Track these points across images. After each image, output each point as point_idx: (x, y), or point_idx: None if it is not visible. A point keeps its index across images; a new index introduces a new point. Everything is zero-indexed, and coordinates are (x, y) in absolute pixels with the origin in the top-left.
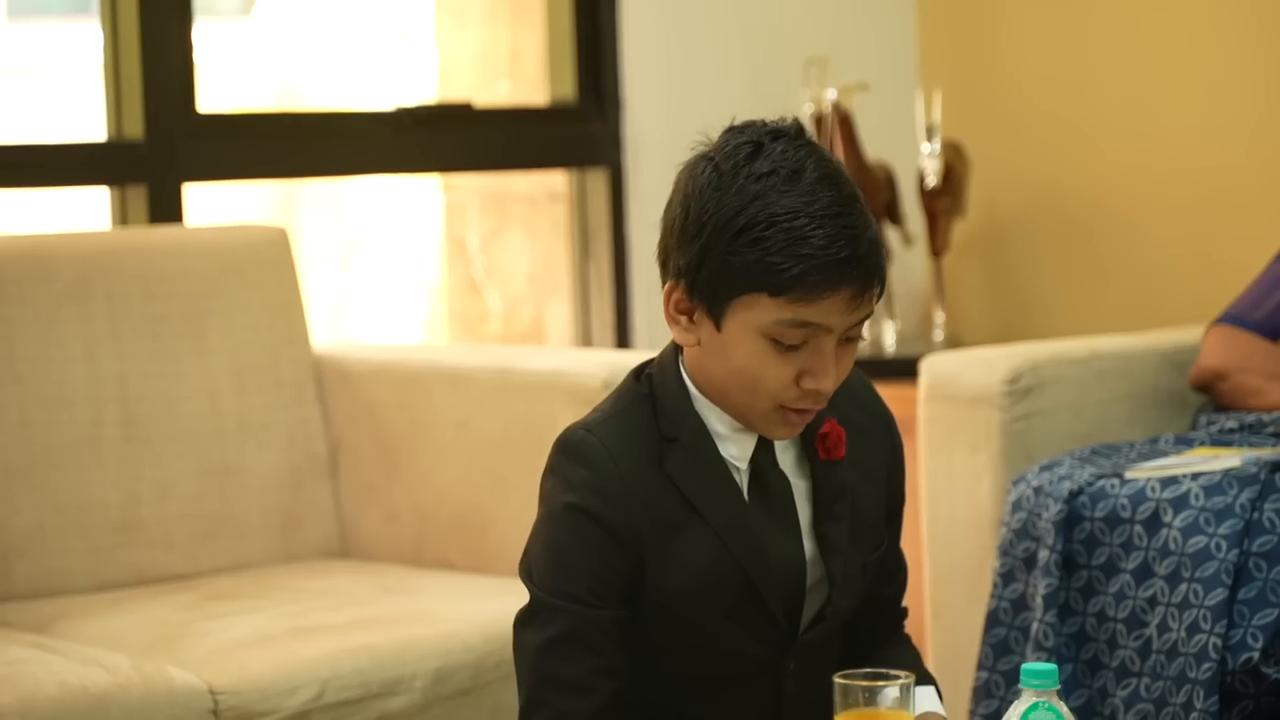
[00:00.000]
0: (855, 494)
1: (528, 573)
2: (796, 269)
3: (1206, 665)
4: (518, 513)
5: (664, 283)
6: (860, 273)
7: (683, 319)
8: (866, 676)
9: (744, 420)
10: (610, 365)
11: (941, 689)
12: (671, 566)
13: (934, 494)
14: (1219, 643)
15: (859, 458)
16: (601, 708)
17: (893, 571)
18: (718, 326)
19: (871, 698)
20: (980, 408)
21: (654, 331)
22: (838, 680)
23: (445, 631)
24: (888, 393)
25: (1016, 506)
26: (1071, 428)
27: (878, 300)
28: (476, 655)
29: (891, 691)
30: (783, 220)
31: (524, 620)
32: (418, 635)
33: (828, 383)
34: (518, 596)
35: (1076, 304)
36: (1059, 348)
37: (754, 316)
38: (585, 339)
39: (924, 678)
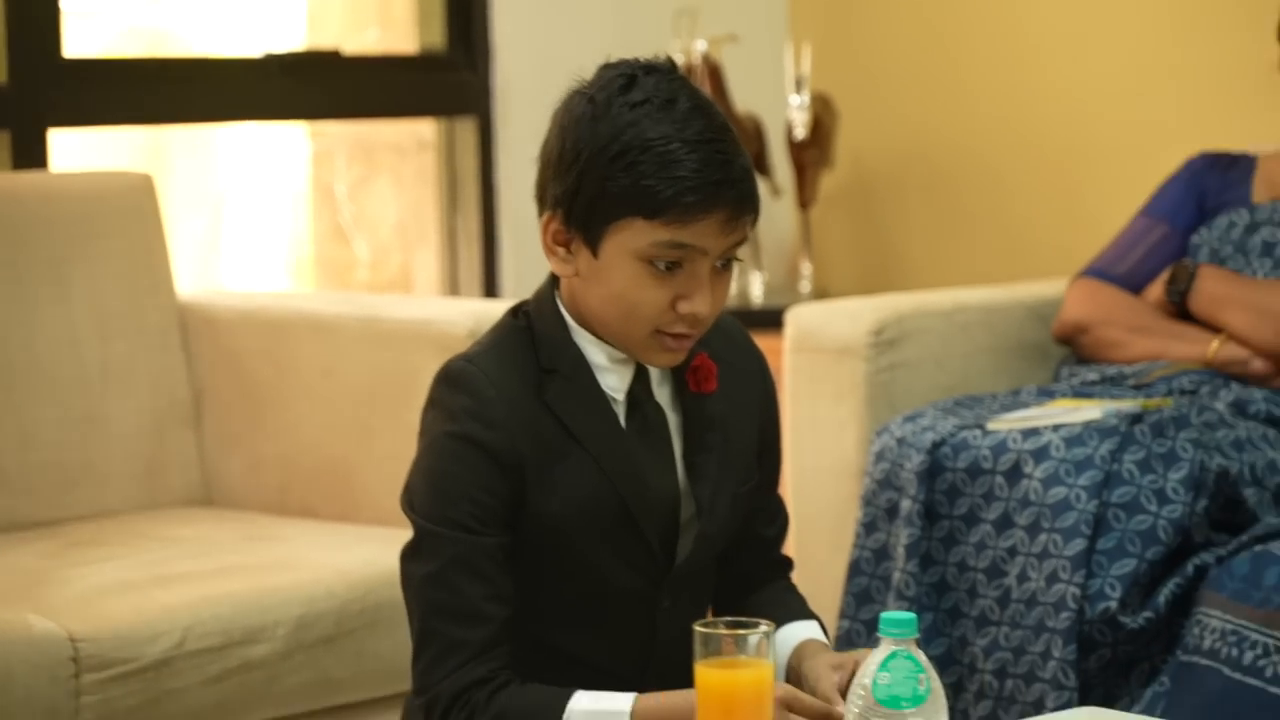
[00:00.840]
0: (726, 426)
1: (409, 504)
2: (670, 191)
3: (1065, 614)
4: (382, 461)
5: (540, 215)
6: (733, 196)
7: (560, 249)
8: (728, 625)
9: (623, 348)
10: (476, 315)
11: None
12: (552, 492)
13: (798, 444)
14: (1077, 592)
15: (730, 393)
16: (495, 634)
17: (771, 513)
18: (595, 253)
19: (731, 646)
20: (845, 359)
21: (522, 281)
22: (698, 629)
23: (308, 579)
24: None
25: (879, 457)
26: (935, 379)
27: (751, 227)
28: (340, 603)
29: (753, 640)
30: (657, 145)
31: (409, 553)
32: (280, 583)
33: (703, 306)
34: (383, 544)
35: (943, 257)
36: (924, 300)
37: (630, 240)
38: (453, 288)
39: (809, 616)
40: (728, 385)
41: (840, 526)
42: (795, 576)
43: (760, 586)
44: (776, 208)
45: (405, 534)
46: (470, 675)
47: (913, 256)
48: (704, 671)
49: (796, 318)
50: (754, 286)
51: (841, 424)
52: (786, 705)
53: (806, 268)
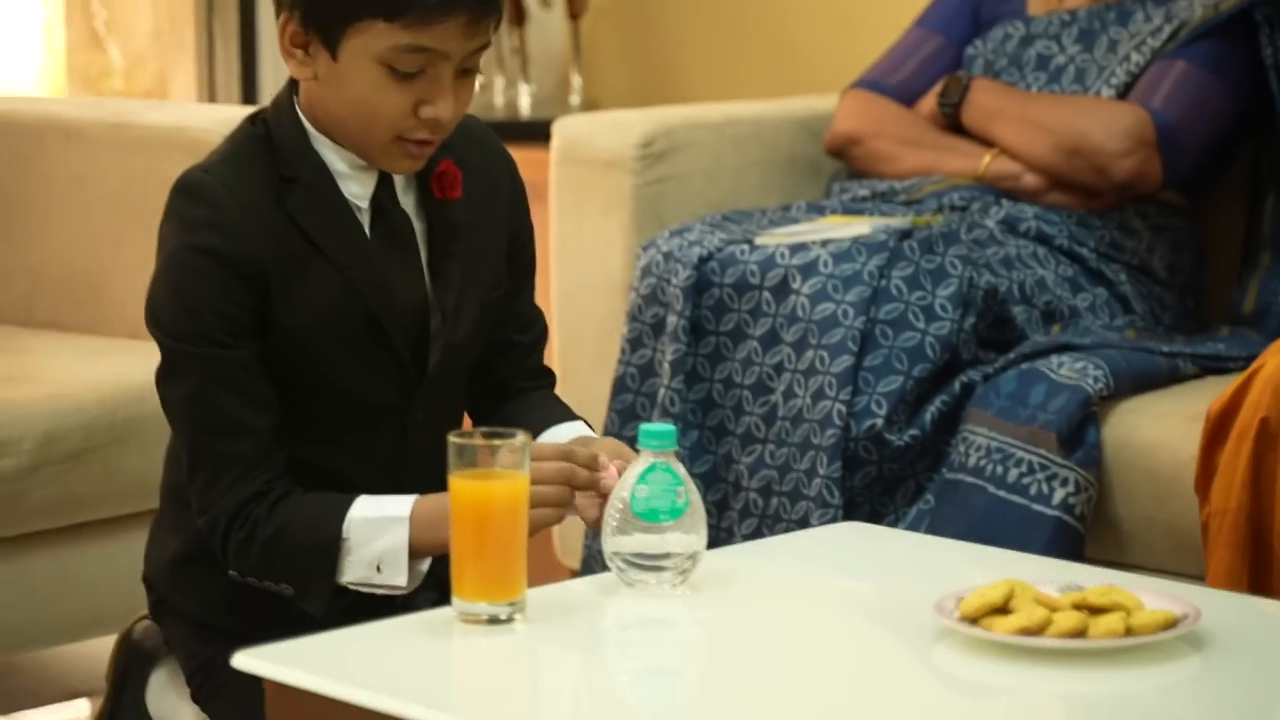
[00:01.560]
0: (471, 233)
1: (155, 323)
2: None
3: (831, 431)
4: (133, 272)
5: (278, 15)
6: None
7: (298, 52)
8: (483, 435)
9: (364, 155)
10: (231, 120)
11: None
12: (297, 304)
13: (563, 259)
14: (843, 409)
15: (476, 199)
16: (264, 445)
17: (527, 320)
18: (334, 56)
19: (487, 457)
20: (612, 171)
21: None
22: (452, 439)
23: (55, 393)
24: (520, 155)
25: (646, 272)
26: (705, 193)
27: (494, 30)
28: (88, 418)
29: (507, 451)
30: None
31: (163, 375)
32: (25, 396)
33: (446, 111)
34: (133, 357)
35: (716, 69)
36: (694, 112)
37: (370, 43)
38: (210, 96)
39: (575, 418)
40: (474, 191)
41: (605, 342)
42: (560, 392)
43: (520, 395)
44: (546, 19)
45: (156, 349)
46: (246, 489)
47: (686, 69)
48: (457, 483)
49: (563, 129)
50: (522, 98)
51: (608, 238)
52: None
53: (576, 80)
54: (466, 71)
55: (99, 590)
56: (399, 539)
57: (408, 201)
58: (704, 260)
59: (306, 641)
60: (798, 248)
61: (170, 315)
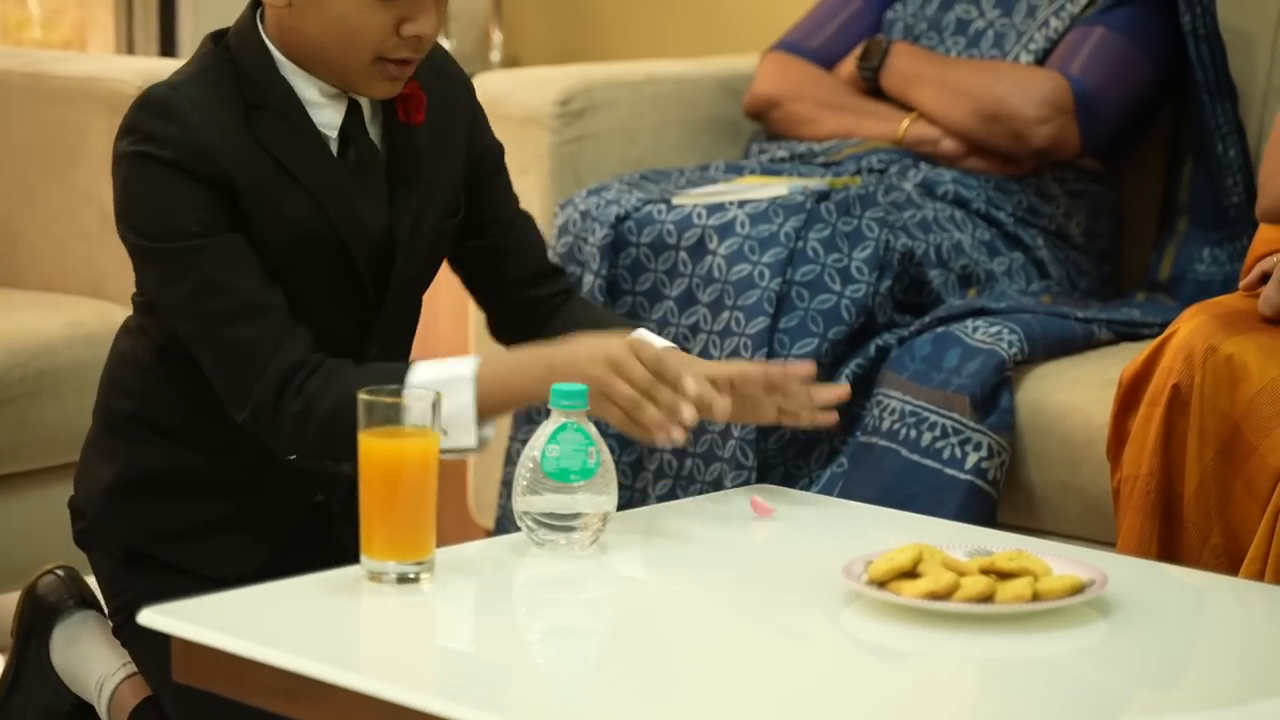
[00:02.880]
0: (429, 161)
1: (138, 233)
2: None
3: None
4: (48, 224)
5: None
6: None
7: None
8: (391, 393)
9: (342, 80)
10: (148, 73)
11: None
12: (267, 222)
13: None
14: None
15: (437, 125)
16: (287, 319)
17: (522, 223)
18: None
19: (396, 414)
20: (530, 128)
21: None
22: (362, 397)
23: None
24: None
25: (563, 230)
26: (623, 152)
27: None
28: (1, 370)
29: (417, 408)
30: None
31: (160, 284)
32: None
33: (429, 26)
34: (47, 310)
35: (638, 28)
36: (613, 70)
37: None
38: (129, 48)
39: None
40: (434, 117)
41: None
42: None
43: (556, 314)
44: None
45: (73, 301)
46: (284, 362)
47: (608, 27)
48: (367, 441)
49: (482, 85)
50: None
51: (526, 196)
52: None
53: (497, 36)
54: None
55: (11, 545)
56: (465, 399)
57: (373, 130)
58: (621, 219)
59: (214, 599)
60: (715, 208)
61: (152, 222)
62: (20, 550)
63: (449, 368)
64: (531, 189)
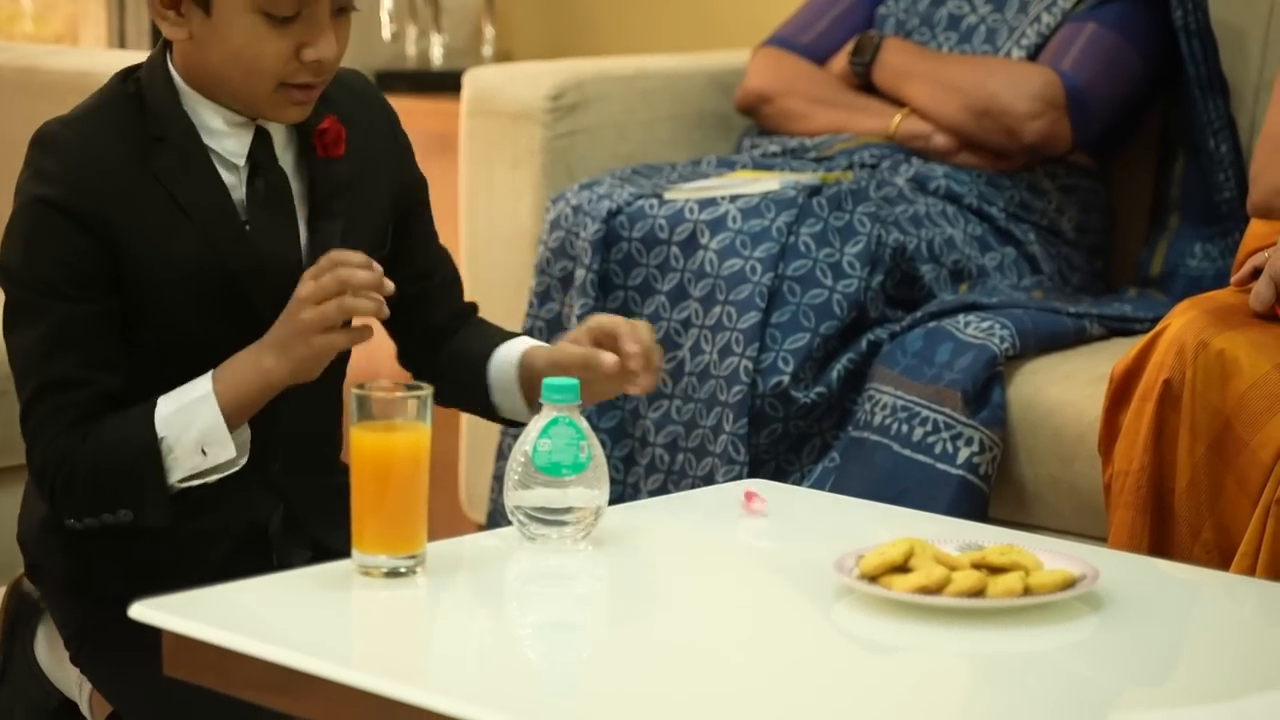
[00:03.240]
0: (353, 192)
1: (4, 272)
2: None
3: (737, 388)
4: None
5: None
6: None
7: (170, 13)
8: (383, 387)
9: (250, 108)
10: None
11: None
12: (152, 262)
13: (473, 211)
14: (750, 366)
15: (360, 156)
16: (97, 400)
17: (443, 266)
18: (208, 12)
19: (387, 409)
20: (523, 123)
21: None
22: (354, 391)
23: None
24: (431, 107)
25: (555, 225)
26: (615, 147)
27: None
28: None
29: (409, 403)
30: None
31: (9, 323)
32: None
33: (328, 50)
34: None
35: (629, 23)
36: (605, 65)
37: None
38: (121, 42)
39: (515, 335)
40: (357, 147)
41: (514, 295)
42: None
43: (454, 335)
44: None
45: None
46: (69, 436)
47: (599, 22)
48: (358, 434)
49: (474, 80)
50: (434, 49)
51: (517, 191)
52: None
53: (489, 31)
54: (342, 10)
55: None
56: (212, 415)
57: (286, 159)
58: (613, 214)
59: (205, 593)
60: (707, 203)
61: (18, 265)
62: (4, 546)
63: (186, 392)
64: (523, 184)
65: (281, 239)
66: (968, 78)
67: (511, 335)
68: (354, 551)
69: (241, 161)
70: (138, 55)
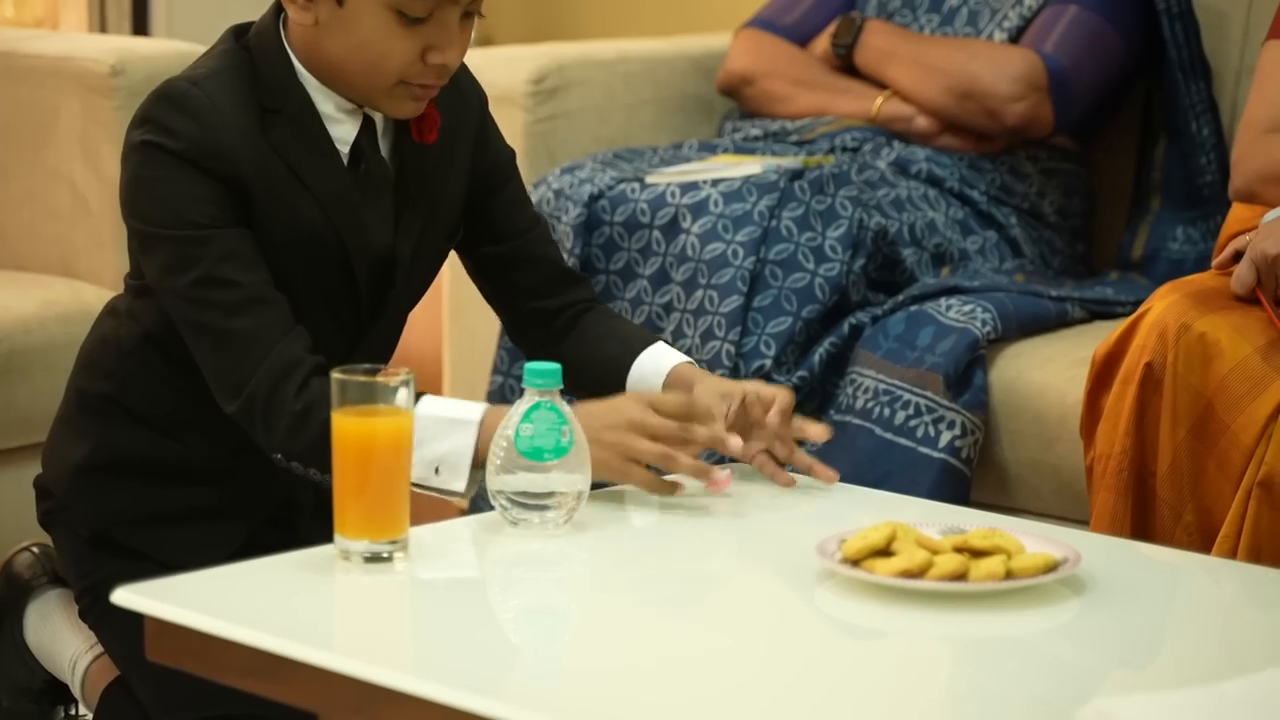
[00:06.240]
0: (437, 181)
1: (146, 220)
2: None
3: (720, 372)
4: (20, 203)
5: None
6: None
7: None
8: (365, 373)
9: (363, 98)
10: (120, 51)
11: (458, 395)
12: (276, 223)
13: None
14: (732, 350)
15: (447, 147)
16: (288, 315)
17: (538, 227)
18: (339, 2)
19: (369, 394)
20: (504, 107)
21: (174, 20)
22: (335, 375)
23: None
24: None
25: (537, 209)
26: (596, 131)
27: None
28: None
29: (391, 388)
30: None
31: (164, 270)
32: None
33: (454, 56)
34: (19, 289)
35: (611, 7)
36: (586, 49)
37: None
38: (101, 26)
39: (648, 340)
40: (445, 137)
41: None
42: (450, 332)
43: (574, 325)
44: None
45: (45, 281)
46: (285, 354)
47: (580, 6)
48: (340, 420)
49: None
50: None
51: None
52: (653, 405)
53: None
54: (469, 14)
55: None
56: (465, 443)
57: (384, 146)
58: (595, 198)
59: (188, 578)
60: (688, 187)
61: (159, 210)
62: None
63: (456, 409)
64: None
65: (380, 226)
66: (950, 60)
67: (647, 338)
68: (336, 536)
69: (346, 148)
70: (116, 40)
